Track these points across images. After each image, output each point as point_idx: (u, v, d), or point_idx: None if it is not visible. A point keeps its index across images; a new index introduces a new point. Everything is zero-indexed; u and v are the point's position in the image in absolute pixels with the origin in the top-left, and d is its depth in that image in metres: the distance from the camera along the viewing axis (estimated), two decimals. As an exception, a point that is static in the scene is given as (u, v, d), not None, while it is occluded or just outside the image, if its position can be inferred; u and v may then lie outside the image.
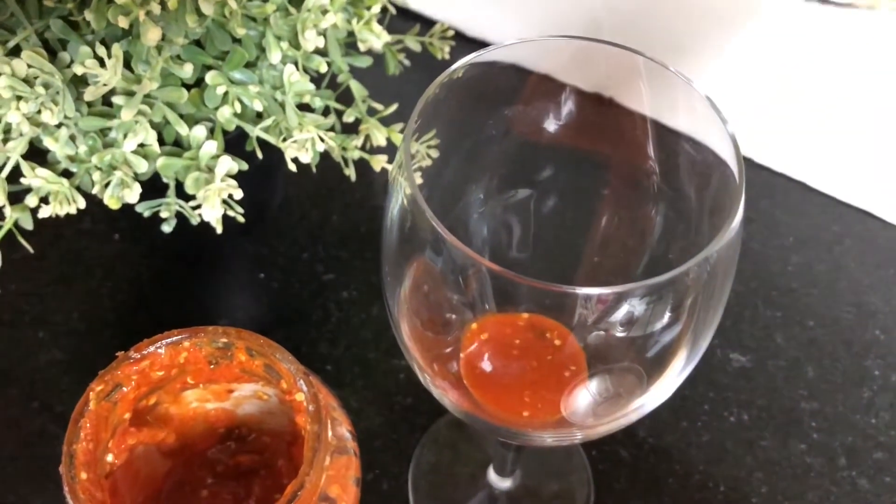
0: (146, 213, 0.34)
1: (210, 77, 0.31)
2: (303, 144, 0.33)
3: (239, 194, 0.32)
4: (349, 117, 0.39)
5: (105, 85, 0.29)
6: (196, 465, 0.32)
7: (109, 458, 0.27)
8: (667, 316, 0.23)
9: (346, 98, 0.39)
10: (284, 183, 0.47)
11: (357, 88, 0.40)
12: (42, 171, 0.32)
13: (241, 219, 0.34)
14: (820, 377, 0.43)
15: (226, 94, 0.32)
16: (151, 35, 0.28)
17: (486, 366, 0.31)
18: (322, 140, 0.35)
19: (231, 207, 0.34)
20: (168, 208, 0.34)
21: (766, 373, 0.43)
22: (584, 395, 0.25)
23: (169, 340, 0.26)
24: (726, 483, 0.40)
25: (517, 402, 0.30)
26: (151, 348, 0.26)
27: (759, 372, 0.43)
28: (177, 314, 0.44)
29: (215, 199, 0.31)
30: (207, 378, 0.28)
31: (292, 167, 0.33)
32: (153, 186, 0.34)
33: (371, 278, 0.45)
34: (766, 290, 0.46)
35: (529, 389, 0.30)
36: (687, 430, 0.41)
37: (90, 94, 0.29)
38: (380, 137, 0.39)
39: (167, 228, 0.34)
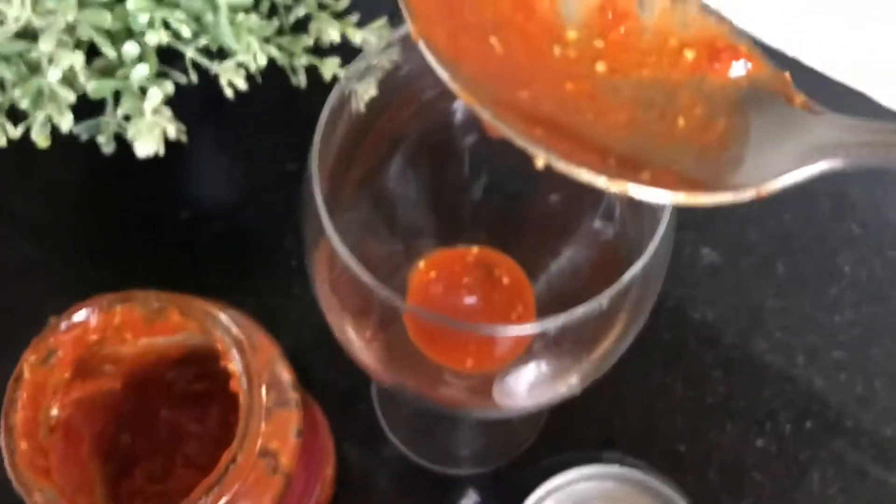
0: (83, 136, 0.33)
1: (131, 2, 0.29)
2: (239, 66, 0.31)
3: (172, 131, 0.30)
4: (296, 14, 0.36)
5: (17, 20, 0.27)
6: (152, 391, 0.33)
7: (54, 412, 0.27)
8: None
9: (295, -9, 0.36)
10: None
11: (308, -24, 0.36)
12: (-34, 99, 0.30)
13: (183, 138, 0.33)
14: (789, 274, 0.43)
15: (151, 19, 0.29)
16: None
17: (430, 309, 0.31)
18: (264, 51, 0.33)
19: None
20: (105, 130, 0.33)
21: (737, 269, 0.43)
22: (519, 380, 0.25)
23: (99, 308, 0.26)
24: (684, 381, 0.40)
25: (461, 349, 0.30)
26: (82, 316, 0.26)
27: (728, 268, 0.43)
28: (139, 208, 0.43)
29: (148, 135, 0.29)
30: (146, 333, 0.28)
31: (229, 93, 0.31)
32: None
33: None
34: (744, 180, 0.44)
35: (476, 337, 0.30)
36: (649, 326, 0.41)
37: (1, 34, 0.27)
38: (333, 34, 0.36)
39: (107, 150, 0.33)
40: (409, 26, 0.21)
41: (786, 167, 0.20)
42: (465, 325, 0.24)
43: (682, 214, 0.44)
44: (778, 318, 0.42)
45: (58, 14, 0.27)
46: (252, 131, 0.44)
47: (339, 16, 0.36)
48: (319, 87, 0.36)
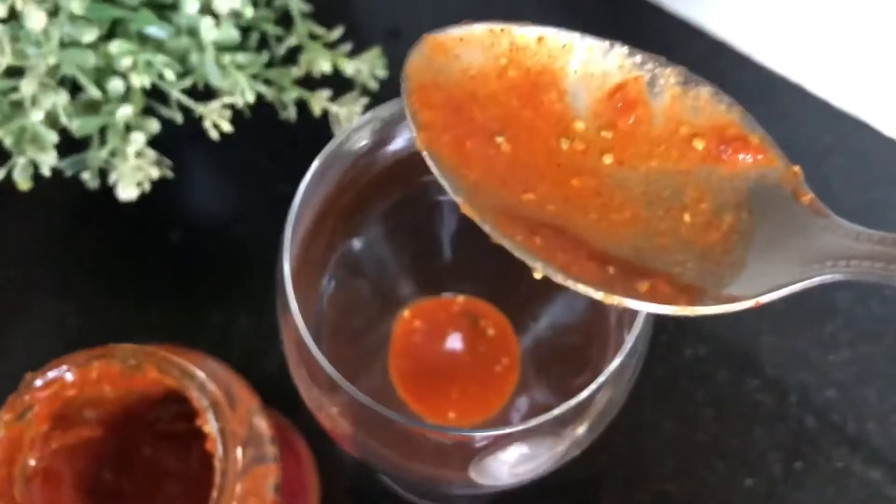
0: (68, 172, 0.32)
1: (115, 45, 0.28)
2: (225, 107, 0.30)
3: (155, 173, 0.29)
4: (287, 45, 0.35)
5: (-4, 64, 0.27)
6: (133, 430, 0.32)
7: (32, 462, 0.27)
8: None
9: (285, 22, 0.35)
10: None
11: (297, 5, 0.36)
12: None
13: (170, 174, 0.32)
14: (786, 310, 0.42)
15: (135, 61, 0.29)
16: (35, 21, 0.25)
17: (413, 358, 0.30)
18: (251, 88, 0.32)
19: (161, 163, 0.32)
20: (91, 166, 0.32)
21: (730, 304, 0.42)
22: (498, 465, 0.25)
23: (76, 364, 0.26)
24: (674, 419, 0.40)
25: (445, 400, 0.30)
26: (58, 373, 0.25)
27: (722, 303, 0.42)
28: (128, 230, 0.43)
29: (131, 178, 0.29)
30: (124, 386, 0.27)
31: (214, 135, 0.31)
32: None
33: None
34: (742, 212, 0.44)
35: (458, 385, 0.30)
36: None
37: (-21, 79, 0.26)
38: (324, 65, 0.36)
39: (91, 185, 0.33)
40: (413, 134, 0.20)
41: (787, 279, 0.20)
42: (435, 427, 0.24)
43: (678, 247, 0.43)
44: (772, 356, 0.41)
45: (40, 59, 0.27)
46: (243, 154, 0.44)
47: (331, 46, 0.36)
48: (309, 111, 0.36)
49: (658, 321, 0.42)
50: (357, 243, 0.28)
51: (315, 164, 0.23)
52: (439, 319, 0.30)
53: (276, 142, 0.44)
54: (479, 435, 0.21)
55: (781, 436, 0.40)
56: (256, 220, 0.43)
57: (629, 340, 0.21)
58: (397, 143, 0.24)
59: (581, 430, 0.24)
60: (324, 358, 0.21)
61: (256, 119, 0.44)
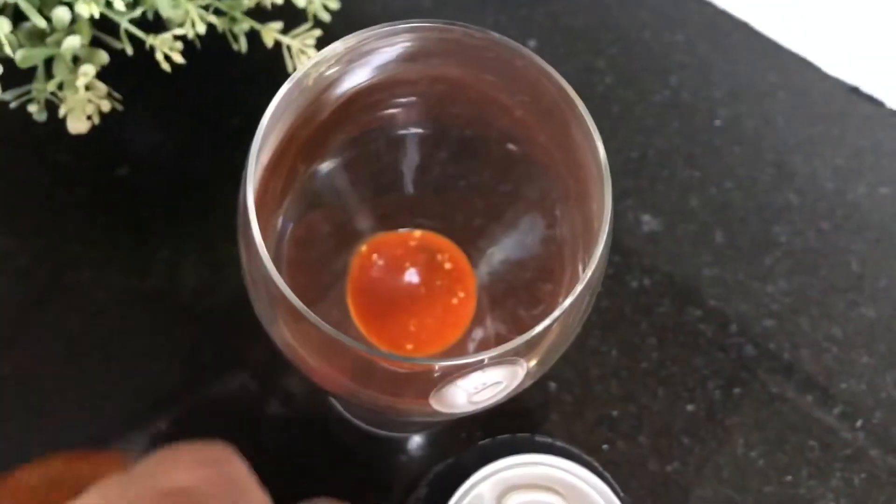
0: (13, 104, 0.31)
1: (60, -29, 0.27)
2: (177, 38, 0.29)
3: (106, 106, 0.29)
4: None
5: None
6: None
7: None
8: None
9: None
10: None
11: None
12: None
13: (119, 107, 0.32)
14: (727, 243, 0.43)
15: (82, -12, 0.28)
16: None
17: (371, 292, 0.31)
18: (202, 19, 0.31)
19: (111, 96, 0.31)
20: (38, 96, 0.31)
21: (675, 237, 0.43)
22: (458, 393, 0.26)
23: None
24: (619, 348, 0.41)
25: (402, 332, 0.30)
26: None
27: (667, 236, 0.43)
28: (76, 165, 0.42)
29: (80, 112, 0.28)
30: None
31: (166, 66, 0.30)
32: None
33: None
34: (688, 148, 0.45)
35: (415, 318, 0.30)
36: (589, 294, 0.42)
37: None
38: (277, -5, 0.35)
39: (38, 118, 0.32)
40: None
41: None
42: (413, 360, 0.24)
43: (625, 181, 0.44)
44: (713, 287, 0.43)
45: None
46: (194, 87, 0.43)
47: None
48: (260, 43, 0.35)
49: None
50: (317, 177, 0.28)
51: (280, 93, 0.22)
52: (397, 254, 0.31)
53: (227, 75, 0.43)
54: (444, 364, 0.22)
55: (721, 363, 0.41)
56: (208, 155, 0.43)
57: (585, 276, 0.22)
58: (360, 76, 0.24)
59: (535, 360, 0.24)
60: (288, 288, 0.21)
61: (207, 52, 0.44)
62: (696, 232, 0.43)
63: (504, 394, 0.25)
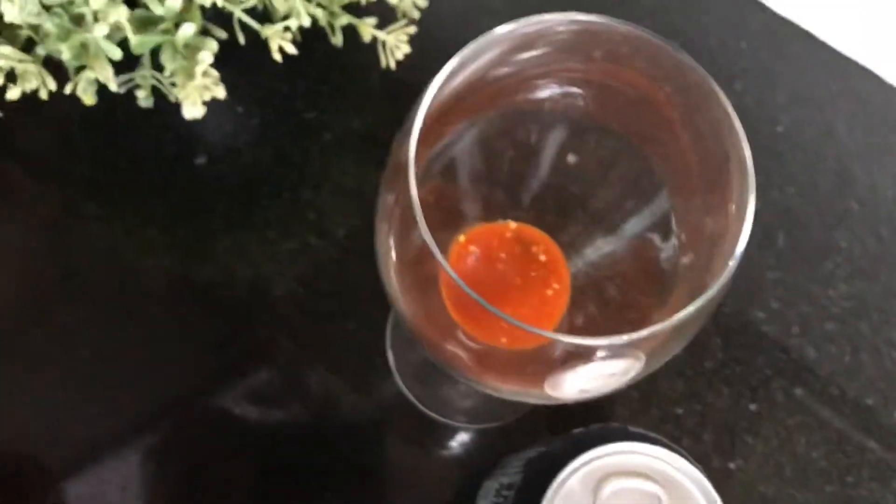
0: (121, 90, 0.32)
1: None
2: (286, 30, 0.30)
3: (221, 93, 0.30)
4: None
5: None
6: None
7: None
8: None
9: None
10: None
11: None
12: (5, 49, 0.29)
13: (222, 94, 0.33)
14: (789, 247, 0.44)
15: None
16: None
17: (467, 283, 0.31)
18: (308, 13, 0.32)
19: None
20: (144, 83, 0.32)
21: (739, 240, 0.44)
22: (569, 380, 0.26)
23: None
24: (685, 347, 0.42)
25: (496, 324, 0.31)
26: None
27: (731, 238, 0.44)
28: (154, 152, 0.42)
29: (197, 98, 0.29)
30: None
31: (277, 57, 0.31)
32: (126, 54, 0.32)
33: (352, 122, 0.44)
34: (752, 152, 0.45)
35: (510, 309, 0.31)
36: (655, 293, 0.43)
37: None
38: (371, -8, 0.36)
39: (145, 104, 0.33)
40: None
41: None
42: (511, 319, 0.25)
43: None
44: (776, 290, 0.43)
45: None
46: (267, 78, 0.44)
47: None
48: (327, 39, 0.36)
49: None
50: (444, 155, 0.29)
51: (451, 63, 0.23)
52: (492, 245, 0.31)
53: (299, 68, 0.44)
54: (594, 343, 0.22)
55: (783, 364, 0.42)
56: (280, 144, 0.43)
57: (727, 272, 0.22)
58: (519, 62, 0.25)
59: (645, 356, 0.25)
60: (441, 255, 0.22)
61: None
62: (760, 235, 0.44)
63: (614, 386, 0.25)
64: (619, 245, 0.30)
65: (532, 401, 0.28)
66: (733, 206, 0.23)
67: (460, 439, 0.41)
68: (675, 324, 0.22)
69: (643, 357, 0.24)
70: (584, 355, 0.23)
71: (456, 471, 0.40)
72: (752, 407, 0.42)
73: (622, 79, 0.26)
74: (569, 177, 0.30)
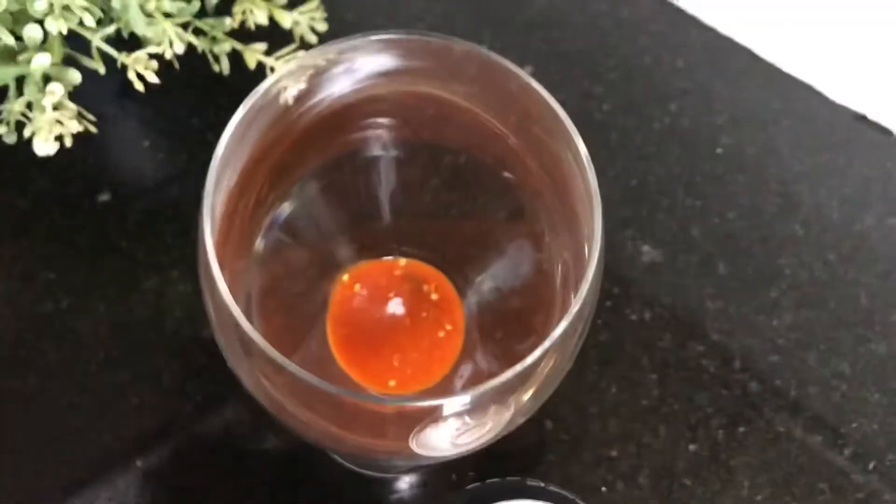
0: (-15, 125, 0.30)
1: (27, -14, 0.26)
2: (151, 57, 0.28)
3: (75, 127, 0.28)
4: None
5: None
6: None
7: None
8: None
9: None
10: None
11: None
12: None
13: (93, 129, 0.30)
14: (730, 275, 0.42)
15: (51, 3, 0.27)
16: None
17: (353, 324, 0.29)
18: (180, 38, 0.30)
19: (83, 118, 0.30)
20: (8, 118, 0.30)
21: (676, 268, 0.42)
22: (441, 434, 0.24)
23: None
24: (619, 384, 0.40)
25: (385, 367, 0.29)
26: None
27: (668, 267, 0.42)
28: (54, 190, 0.40)
29: (47, 133, 0.27)
30: None
31: (139, 86, 0.29)
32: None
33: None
34: (689, 176, 0.43)
35: (399, 352, 0.29)
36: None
37: None
38: (261, 17, 0.34)
39: (9, 141, 0.30)
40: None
41: None
42: (367, 397, 0.23)
43: (624, 210, 0.43)
44: (716, 321, 0.41)
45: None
46: (175, 110, 0.42)
47: (269, -4, 0.34)
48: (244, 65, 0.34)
49: (603, 286, 0.41)
50: (290, 203, 0.26)
51: (239, 114, 0.21)
52: (380, 284, 0.29)
53: (211, 97, 0.42)
54: (419, 405, 0.20)
55: (724, 401, 0.40)
56: (191, 180, 0.41)
57: (575, 304, 0.20)
58: (331, 92, 0.23)
59: (526, 396, 0.23)
60: (257, 333, 0.19)
61: (189, 72, 0.42)
62: (699, 263, 0.42)
63: (491, 435, 0.23)
64: (507, 272, 0.28)
65: (407, 462, 0.26)
66: (586, 232, 0.21)
67: (383, 490, 0.39)
68: (518, 372, 0.19)
69: (512, 405, 0.22)
70: (437, 413, 0.21)
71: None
72: (692, 447, 0.39)
73: (459, 105, 0.24)
74: (435, 211, 0.28)
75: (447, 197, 0.28)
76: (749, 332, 0.41)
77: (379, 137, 0.25)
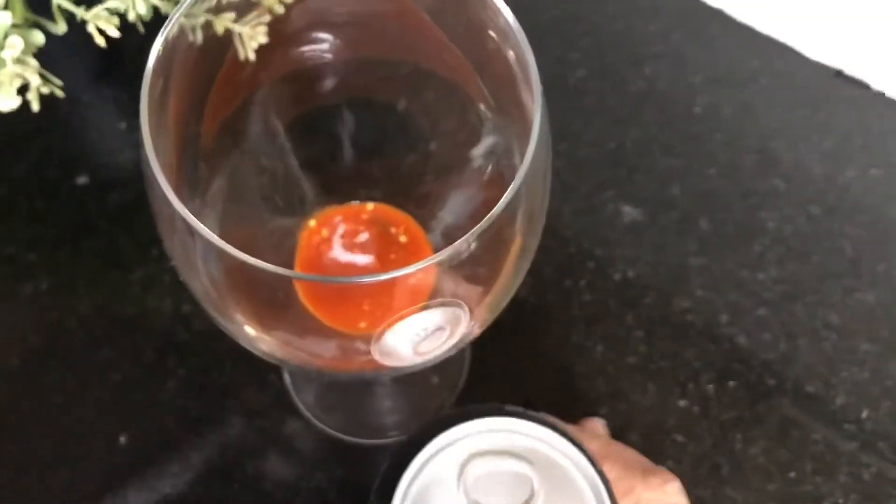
0: (-50, 90, 0.30)
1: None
2: (112, 13, 0.28)
3: (37, 80, 0.28)
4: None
5: None
6: None
7: None
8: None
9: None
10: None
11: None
12: None
13: (59, 93, 0.31)
14: (712, 231, 0.41)
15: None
16: None
17: (321, 270, 0.29)
18: (148, 3, 0.30)
19: (48, 81, 0.30)
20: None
21: (658, 227, 0.41)
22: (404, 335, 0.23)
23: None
24: (605, 343, 0.39)
25: (356, 312, 0.28)
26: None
27: (650, 226, 0.41)
28: (33, 173, 0.41)
29: (10, 88, 0.27)
30: None
31: (100, 41, 0.29)
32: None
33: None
34: (667, 137, 0.43)
35: (369, 296, 0.28)
36: (570, 288, 0.40)
37: None
38: (227, -18, 0.34)
39: (-24, 106, 0.31)
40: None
41: None
42: (344, 280, 0.22)
43: (603, 173, 0.43)
44: (700, 277, 0.41)
45: None
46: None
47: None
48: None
49: (585, 247, 0.41)
50: (249, 147, 0.26)
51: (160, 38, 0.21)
52: (348, 228, 0.29)
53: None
54: (370, 280, 0.20)
55: (713, 356, 0.39)
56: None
57: (519, 175, 0.20)
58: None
59: (485, 301, 0.22)
60: (199, 223, 0.19)
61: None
62: (680, 220, 0.42)
63: (451, 343, 0.23)
64: (463, 192, 0.28)
65: (375, 374, 0.26)
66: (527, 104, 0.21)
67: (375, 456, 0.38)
68: (456, 247, 0.19)
69: (465, 307, 0.22)
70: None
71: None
72: (682, 403, 0.38)
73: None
74: (398, 142, 0.28)
75: (405, 124, 0.28)
76: (734, 286, 0.40)
77: (326, 51, 0.25)
